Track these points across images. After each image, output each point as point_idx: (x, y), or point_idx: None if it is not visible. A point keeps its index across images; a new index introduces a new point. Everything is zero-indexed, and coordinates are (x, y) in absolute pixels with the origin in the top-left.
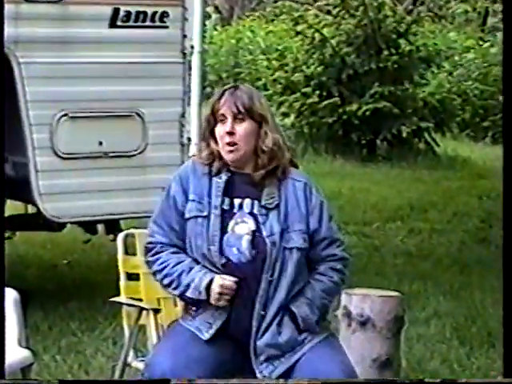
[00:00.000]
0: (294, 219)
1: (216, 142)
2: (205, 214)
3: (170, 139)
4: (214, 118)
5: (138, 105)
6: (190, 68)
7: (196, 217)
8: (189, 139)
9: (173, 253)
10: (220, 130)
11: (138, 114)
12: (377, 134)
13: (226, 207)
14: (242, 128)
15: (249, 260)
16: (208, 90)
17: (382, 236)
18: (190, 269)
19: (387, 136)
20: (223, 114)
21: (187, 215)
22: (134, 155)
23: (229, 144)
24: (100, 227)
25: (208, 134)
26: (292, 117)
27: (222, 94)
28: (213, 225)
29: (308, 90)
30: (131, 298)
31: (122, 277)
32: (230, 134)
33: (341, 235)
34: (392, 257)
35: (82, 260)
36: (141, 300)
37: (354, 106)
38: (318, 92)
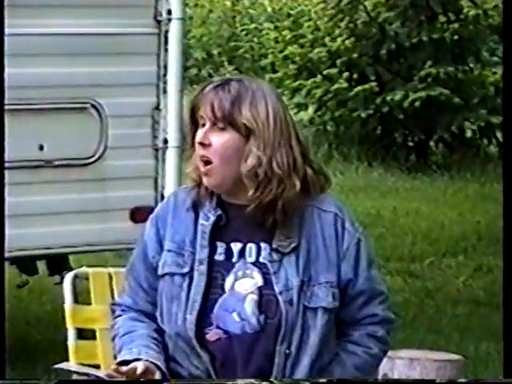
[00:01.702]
0: (320, 267)
1: None
2: (185, 270)
3: (138, 141)
4: (194, 120)
5: (94, 93)
6: (166, 41)
7: (172, 274)
8: (165, 141)
9: (131, 319)
10: (197, 138)
11: (94, 107)
12: (430, 134)
13: (219, 257)
14: (219, 140)
15: (256, 329)
16: (192, 71)
17: (437, 276)
18: (131, 342)
19: (444, 136)
20: (202, 117)
21: (160, 271)
22: (89, 164)
23: (202, 160)
24: (41, 266)
25: (191, 141)
26: (310, 109)
27: (203, 89)
28: (195, 286)
29: (333, 71)
30: (84, 364)
31: (71, 334)
32: (203, 145)
33: (384, 287)
34: (451, 305)
35: (15, 311)
36: (98, 367)
37: (398, 95)
38: (346, 74)
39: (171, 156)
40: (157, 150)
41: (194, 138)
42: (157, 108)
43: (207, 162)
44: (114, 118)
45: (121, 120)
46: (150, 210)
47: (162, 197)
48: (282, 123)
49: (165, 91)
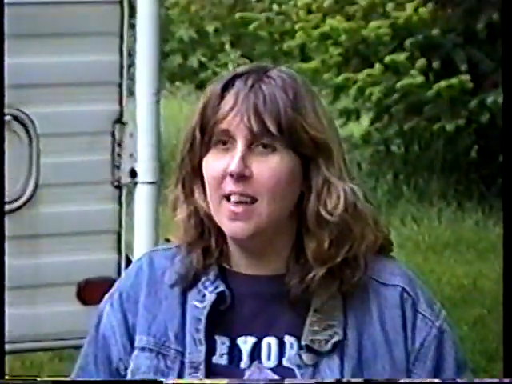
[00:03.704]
0: (378, 374)
1: (205, 191)
2: (170, 382)
3: (90, 175)
4: (203, 137)
5: (18, 99)
6: (132, 12)
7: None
8: (132, 174)
9: None
10: (216, 164)
11: (18, 120)
12: None
13: (220, 360)
14: (268, 166)
15: None
16: (174, 60)
17: None
18: None
19: None
20: (228, 132)
21: (130, 376)
22: (11, 212)
23: (234, 196)
24: None
25: (190, 170)
26: (365, 119)
27: (229, 85)
28: None
29: (400, 57)
30: None
31: None
32: (240, 176)
33: None
34: None
35: None
36: None
37: None
38: (421, 63)
39: (142, 197)
40: (119, 187)
41: (195, 166)
42: (119, 121)
43: (245, 201)
44: (49, 138)
45: (61, 141)
46: (110, 284)
47: (129, 263)
48: (339, 137)
49: (131, 93)
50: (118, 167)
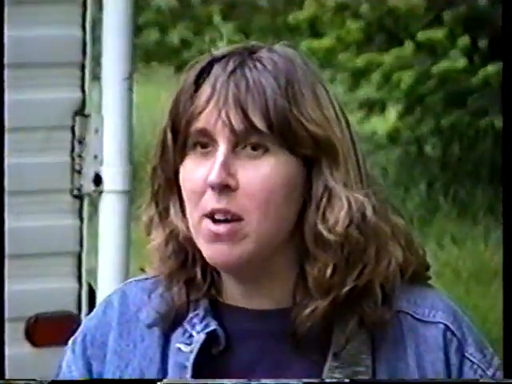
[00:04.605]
0: None
1: (183, 208)
2: None
3: (42, 180)
4: (176, 139)
5: None
6: None
7: None
8: (97, 180)
9: None
10: (195, 174)
11: None
12: None
13: None
14: (258, 173)
15: None
16: (149, 36)
17: None
18: None
19: None
20: (206, 131)
21: None
22: None
23: (218, 215)
24: None
25: (163, 182)
26: (393, 113)
27: (205, 71)
28: None
29: (435, 34)
30: None
31: None
32: (222, 188)
33: None
34: None
35: None
36: None
37: None
38: (464, 42)
39: (109, 210)
40: (80, 197)
41: (170, 176)
42: (80, 112)
43: (226, 219)
44: None
45: (5, 138)
46: (67, 320)
47: (91, 293)
48: (352, 132)
49: (96, 77)
50: (79, 171)
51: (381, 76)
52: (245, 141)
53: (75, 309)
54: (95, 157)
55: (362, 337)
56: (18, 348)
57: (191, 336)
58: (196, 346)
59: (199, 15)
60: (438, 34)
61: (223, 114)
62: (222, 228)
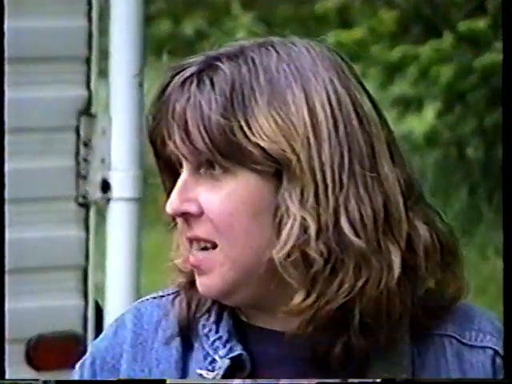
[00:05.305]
0: None
1: None
2: None
3: (45, 187)
4: (158, 160)
5: None
6: None
7: None
8: (104, 187)
9: None
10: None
11: None
12: None
13: None
14: (218, 196)
15: None
16: (161, 26)
17: None
18: None
19: None
20: (172, 151)
21: None
22: None
23: (195, 243)
24: None
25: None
26: (431, 111)
27: (164, 88)
28: None
29: (478, 24)
30: None
31: None
32: (180, 215)
33: None
34: None
35: None
36: None
37: None
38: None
39: (118, 219)
40: (86, 205)
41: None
42: (86, 112)
43: (204, 246)
44: None
45: (4, 140)
46: (71, 341)
47: (98, 311)
48: (354, 127)
49: (103, 73)
50: (85, 177)
51: (417, 71)
52: (203, 162)
53: (80, 328)
54: (102, 161)
55: (402, 363)
56: (16, 372)
57: (214, 361)
58: (219, 373)
59: (216, 3)
60: (480, 24)
61: (164, 131)
62: (199, 257)
